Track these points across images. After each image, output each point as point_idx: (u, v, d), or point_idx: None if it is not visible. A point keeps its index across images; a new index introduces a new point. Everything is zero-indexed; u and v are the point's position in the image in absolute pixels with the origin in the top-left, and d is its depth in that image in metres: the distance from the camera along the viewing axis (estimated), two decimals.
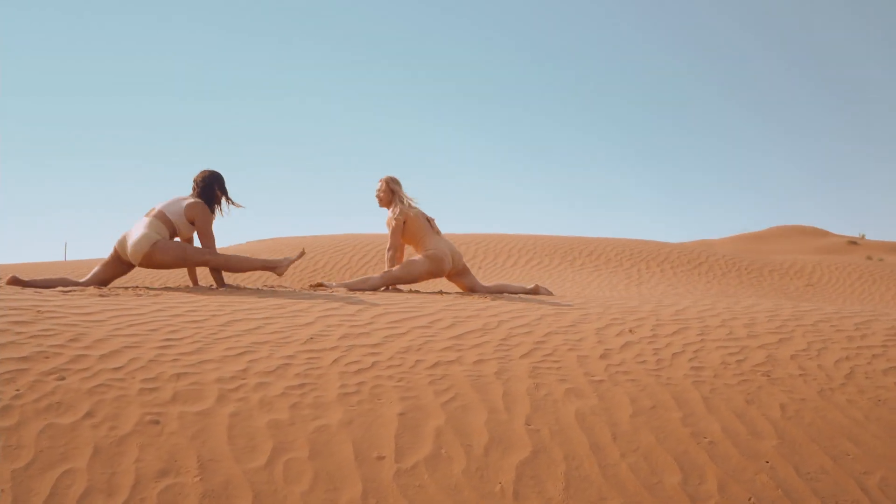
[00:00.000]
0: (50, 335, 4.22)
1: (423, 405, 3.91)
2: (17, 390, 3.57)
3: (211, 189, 6.81)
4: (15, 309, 4.60)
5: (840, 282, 18.80)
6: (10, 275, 6.33)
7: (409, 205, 7.65)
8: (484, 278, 17.08)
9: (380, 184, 7.79)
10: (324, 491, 3.20)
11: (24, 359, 3.86)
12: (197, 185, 6.82)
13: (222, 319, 4.94)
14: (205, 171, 6.86)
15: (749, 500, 3.41)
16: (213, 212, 6.79)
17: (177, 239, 6.73)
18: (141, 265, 6.47)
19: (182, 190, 6.97)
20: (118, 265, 6.64)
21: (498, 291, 7.66)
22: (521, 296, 7.37)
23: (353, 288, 7.16)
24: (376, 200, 7.83)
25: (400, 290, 7.40)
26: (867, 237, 48.62)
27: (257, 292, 6.41)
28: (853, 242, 46.74)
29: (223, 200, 6.89)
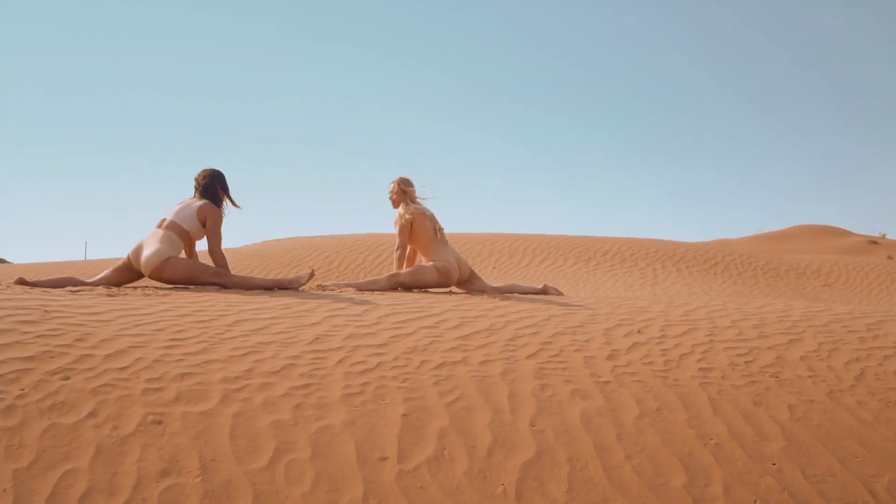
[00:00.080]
0: (56, 335, 4.24)
1: (427, 406, 3.90)
2: (22, 390, 3.58)
3: (213, 188, 6.84)
4: (22, 308, 4.63)
5: (858, 282, 18.64)
6: (18, 276, 6.38)
7: (419, 207, 7.66)
8: (498, 278, 17.06)
9: (392, 185, 7.83)
10: (325, 492, 3.20)
11: (29, 358, 3.88)
12: (199, 184, 6.85)
13: (229, 319, 4.95)
14: (206, 170, 6.89)
15: (754, 502, 3.37)
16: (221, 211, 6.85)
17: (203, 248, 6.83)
18: (150, 277, 6.54)
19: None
20: (129, 272, 6.69)
21: (507, 292, 7.65)
22: (531, 296, 7.35)
23: (360, 289, 7.17)
24: (390, 202, 7.87)
25: (408, 290, 7.40)
26: (888, 237, 48.23)
27: (266, 292, 6.42)
28: (874, 242, 46.37)
29: (225, 200, 6.92)
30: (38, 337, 4.16)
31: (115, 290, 6.15)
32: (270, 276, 16.83)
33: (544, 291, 7.75)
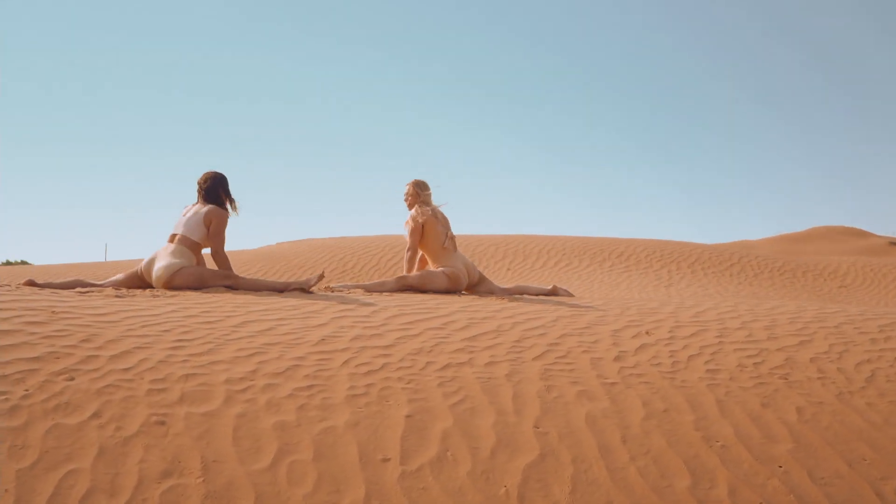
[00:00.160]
0: (63, 336, 4.25)
1: (431, 407, 3.89)
2: (27, 390, 3.59)
3: (216, 191, 6.87)
4: (30, 309, 4.65)
5: (875, 283, 18.48)
6: (27, 278, 6.42)
7: (432, 211, 7.64)
8: (513, 280, 17.03)
9: (407, 186, 7.84)
10: (326, 493, 3.19)
11: (35, 359, 3.90)
12: (201, 188, 6.87)
13: (236, 320, 4.95)
14: (208, 174, 6.92)
15: None
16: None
17: (205, 250, 6.85)
18: (160, 288, 6.57)
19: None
20: (139, 281, 6.73)
21: (517, 293, 7.63)
22: (541, 297, 7.32)
23: (368, 290, 7.16)
24: (405, 204, 7.88)
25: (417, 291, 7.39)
26: None
27: (274, 294, 6.43)
28: (894, 244, 45.93)
29: (227, 202, 6.95)
30: (44, 338, 4.18)
31: (124, 290, 6.18)
32: (284, 279, 16.87)
33: (554, 293, 7.72)
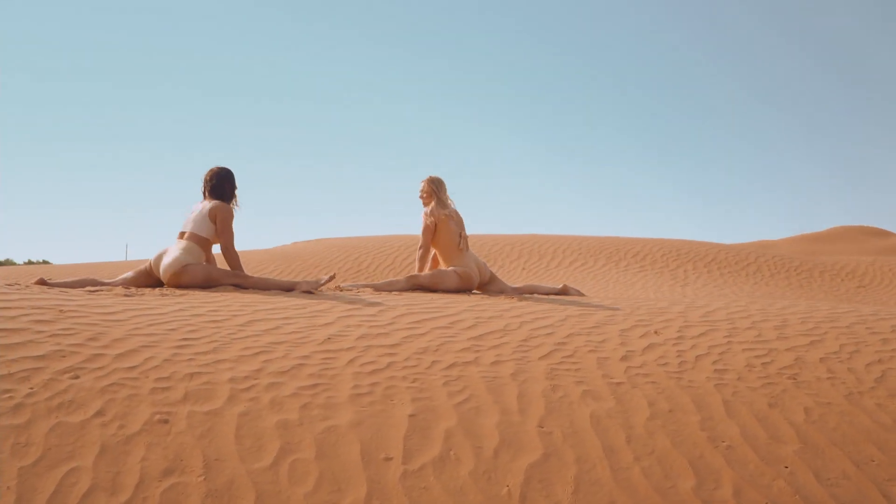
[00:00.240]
0: (69, 334, 4.27)
1: (435, 406, 3.87)
2: (31, 388, 3.61)
3: (222, 187, 6.88)
4: (38, 308, 4.67)
5: (893, 283, 18.30)
6: (38, 277, 6.47)
7: (447, 209, 7.62)
8: (528, 279, 17.02)
9: (422, 183, 7.82)
10: (328, 492, 3.18)
11: (40, 357, 3.91)
12: (207, 184, 6.89)
13: (242, 319, 4.96)
14: (213, 170, 6.94)
15: None
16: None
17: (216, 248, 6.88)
18: (168, 284, 6.60)
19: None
20: (149, 277, 6.76)
21: (527, 292, 7.61)
22: (551, 297, 7.30)
23: (378, 289, 7.16)
24: (420, 201, 7.87)
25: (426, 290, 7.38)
26: None
27: (283, 293, 6.44)
28: None
29: (234, 198, 6.97)
30: (50, 336, 4.20)
31: (133, 290, 6.21)
32: (299, 279, 16.91)
33: (564, 292, 7.69)
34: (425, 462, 3.42)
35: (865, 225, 53.88)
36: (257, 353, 4.30)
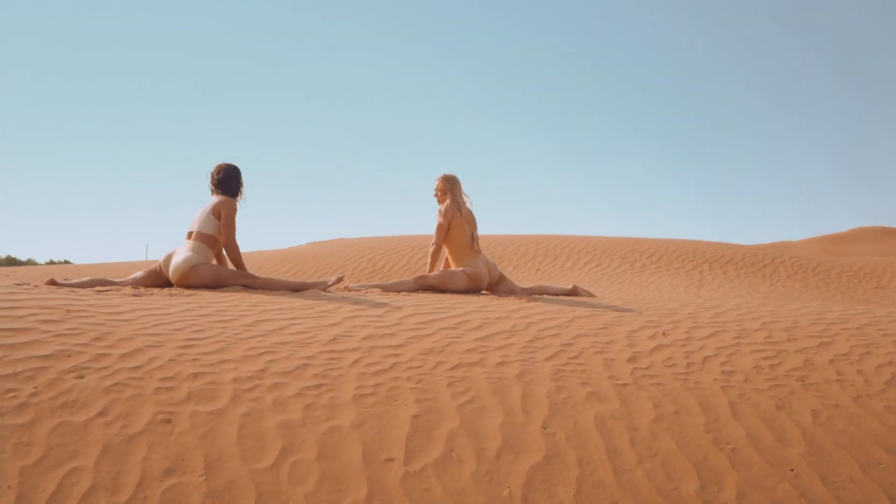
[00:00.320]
0: (75, 334, 4.29)
1: (438, 407, 3.86)
2: (35, 388, 3.63)
3: (227, 183, 6.90)
4: (45, 308, 4.70)
5: None
6: (49, 277, 6.51)
7: (461, 209, 7.60)
8: (543, 280, 16.98)
9: (437, 182, 7.80)
10: (328, 493, 3.18)
11: (46, 357, 3.94)
12: (213, 179, 6.91)
13: (249, 319, 4.97)
14: (220, 166, 6.97)
15: None
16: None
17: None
18: (178, 284, 6.63)
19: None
20: (159, 277, 6.79)
21: (536, 293, 7.58)
22: (561, 297, 7.27)
23: (386, 290, 7.15)
24: (435, 199, 7.85)
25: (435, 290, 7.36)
26: None
27: (291, 293, 6.45)
28: None
29: (240, 194, 6.99)
30: (56, 336, 4.22)
31: (142, 289, 6.24)
32: (313, 279, 16.94)
33: (574, 292, 7.66)
34: (427, 463, 3.41)
35: (887, 226, 53.34)
36: (262, 354, 4.31)
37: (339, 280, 7.01)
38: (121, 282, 6.69)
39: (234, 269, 6.79)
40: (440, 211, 7.61)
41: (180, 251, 6.67)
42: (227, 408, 3.67)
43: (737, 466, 3.54)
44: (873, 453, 3.72)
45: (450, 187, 7.72)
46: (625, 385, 4.26)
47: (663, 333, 5.27)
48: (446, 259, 7.80)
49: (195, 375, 3.94)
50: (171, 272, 6.62)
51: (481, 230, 7.75)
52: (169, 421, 3.51)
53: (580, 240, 20.44)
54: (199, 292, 6.15)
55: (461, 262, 7.49)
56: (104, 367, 3.92)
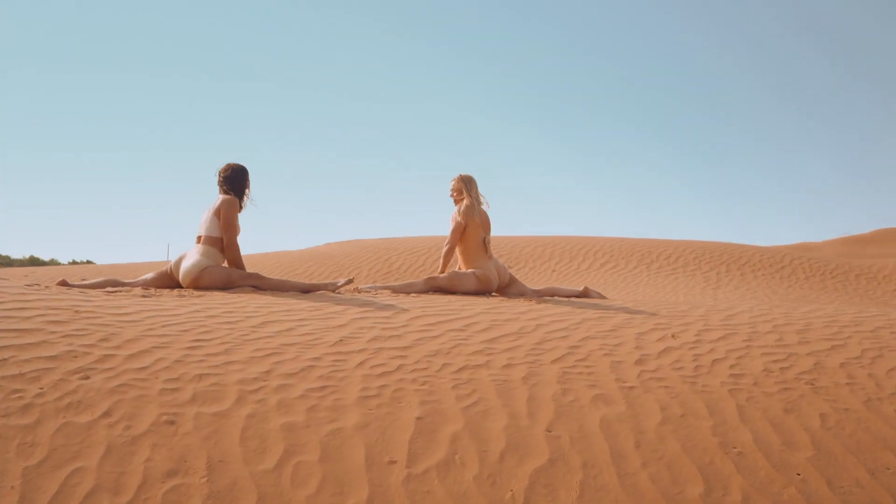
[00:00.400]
0: (82, 335, 4.31)
1: (442, 409, 3.85)
2: (41, 389, 3.65)
3: (231, 182, 6.91)
4: (54, 309, 4.73)
5: None
6: (61, 278, 6.55)
7: (477, 211, 7.56)
8: (558, 281, 16.93)
9: (453, 182, 7.78)
10: (330, 495, 3.17)
11: (52, 358, 3.95)
12: (220, 179, 6.93)
13: (256, 321, 4.98)
14: (226, 165, 6.97)
15: None
16: (240, 206, 6.91)
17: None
18: (188, 287, 6.65)
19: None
20: (169, 279, 6.82)
21: (547, 295, 7.55)
22: (572, 299, 7.24)
23: (396, 291, 7.14)
24: (451, 199, 7.83)
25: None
26: None
27: (300, 295, 6.45)
28: None
29: (246, 195, 7.00)
30: (63, 337, 4.24)
31: (152, 290, 6.27)
32: (331, 279, 16.97)
33: (585, 294, 7.62)
34: (429, 466, 3.40)
35: None
36: (268, 355, 4.31)
37: (349, 282, 7.01)
38: (131, 283, 6.72)
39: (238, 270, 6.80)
40: (458, 211, 7.57)
41: (190, 255, 6.70)
42: (231, 409, 3.68)
43: (742, 470, 3.51)
44: (882, 458, 3.68)
45: (466, 187, 7.68)
46: (632, 388, 4.23)
47: (673, 336, 5.23)
48: (457, 260, 7.78)
49: (200, 377, 3.95)
50: (182, 276, 6.65)
51: (496, 231, 7.72)
52: (173, 422, 3.52)
53: (596, 241, 20.37)
54: (208, 294, 6.17)
55: (472, 265, 7.47)
56: (110, 368, 3.93)
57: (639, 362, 4.63)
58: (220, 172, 6.96)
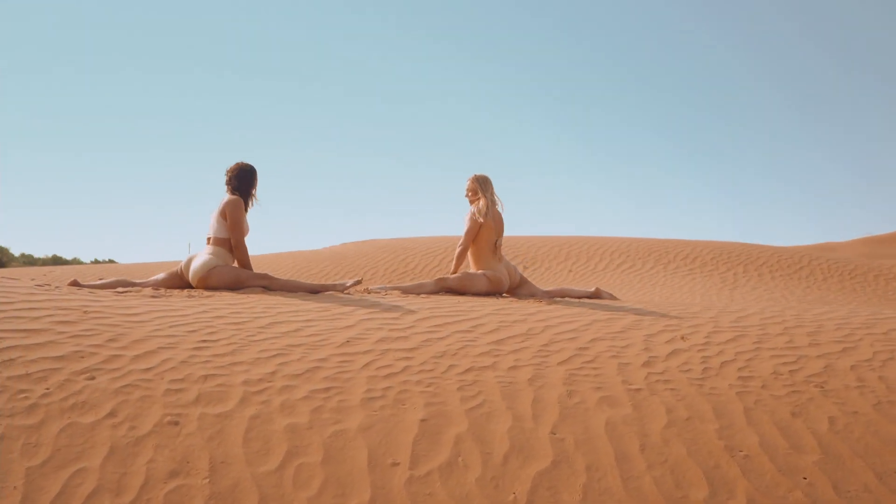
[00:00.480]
0: (90, 335, 4.33)
1: (447, 411, 3.84)
2: (47, 389, 3.66)
3: (237, 182, 6.92)
4: (62, 309, 4.75)
5: None
6: (72, 278, 6.60)
7: (491, 213, 7.53)
8: (575, 281, 16.88)
9: (468, 182, 7.76)
10: (331, 497, 3.17)
11: (59, 358, 3.97)
12: (227, 178, 6.94)
13: (264, 321, 4.99)
14: (234, 165, 6.98)
15: None
16: (246, 205, 6.92)
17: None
18: (197, 286, 6.68)
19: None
20: (179, 280, 6.85)
21: (558, 296, 7.52)
22: (583, 300, 7.21)
23: (406, 292, 7.13)
24: (466, 200, 7.82)
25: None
26: None
27: (309, 295, 6.46)
28: None
29: (252, 195, 7.01)
30: (71, 337, 4.26)
31: (162, 291, 6.30)
32: (348, 279, 16.99)
33: (597, 295, 7.59)
34: (432, 468, 3.39)
35: None
36: (274, 356, 4.32)
37: (358, 282, 7.01)
38: (142, 283, 6.76)
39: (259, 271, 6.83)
40: (474, 211, 7.54)
41: (200, 255, 6.73)
42: (235, 410, 3.68)
43: (748, 474, 3.48)
44: (890, 462, 3.64)
45: (482, 188, 7.66)
46: (638, 390, 4.21)
47: (682, 338, 5.20)
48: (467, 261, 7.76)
49: (205, 377, 3.96)
50: (191, 276, 6.69)
51: (513, 231, 7.69)
52: (176, 423, 3.53)
53: (613, 241, 20.29)
54: (217, 294, 6.19)
55: (481, 266, 7.45)
56: (116, 369, 3.95)
57: (646, 364, 4.60)
58: (227, 172, 6.98)
